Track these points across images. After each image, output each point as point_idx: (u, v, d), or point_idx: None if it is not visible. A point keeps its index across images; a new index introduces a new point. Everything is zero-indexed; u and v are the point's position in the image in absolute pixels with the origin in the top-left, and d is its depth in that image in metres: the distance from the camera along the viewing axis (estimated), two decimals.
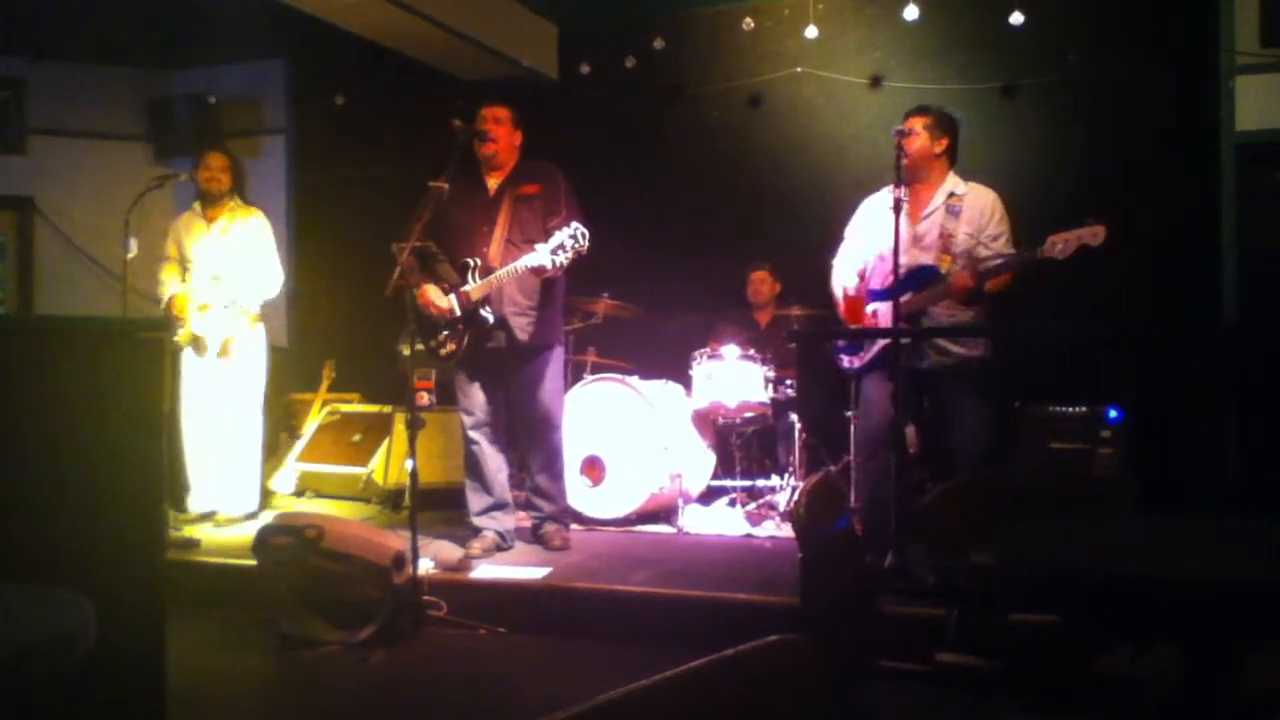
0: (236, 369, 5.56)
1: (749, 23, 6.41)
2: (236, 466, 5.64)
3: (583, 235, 4.41)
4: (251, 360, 5.60)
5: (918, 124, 4.30)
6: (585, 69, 6.88)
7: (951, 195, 4.32)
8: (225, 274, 5.54)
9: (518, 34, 6.74)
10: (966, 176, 4.42)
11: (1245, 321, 5.53)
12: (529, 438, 4.92)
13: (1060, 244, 3.90)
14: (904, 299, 4.22)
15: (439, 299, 4.68)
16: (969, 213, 4.28)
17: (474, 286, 4.63)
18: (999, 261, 4.13)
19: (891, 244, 4.19)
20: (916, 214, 4.33)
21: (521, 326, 4.72)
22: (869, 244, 4.46)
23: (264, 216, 5.70)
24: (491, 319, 4.65)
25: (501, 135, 4.76)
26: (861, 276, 4.50)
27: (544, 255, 4.42)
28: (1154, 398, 5.10)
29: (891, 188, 4.28)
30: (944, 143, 4.34)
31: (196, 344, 5.53)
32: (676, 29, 6.70)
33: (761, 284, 6.34)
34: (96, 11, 6.72)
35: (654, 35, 6.62)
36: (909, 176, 4.30)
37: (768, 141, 6.61)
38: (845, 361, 4.49)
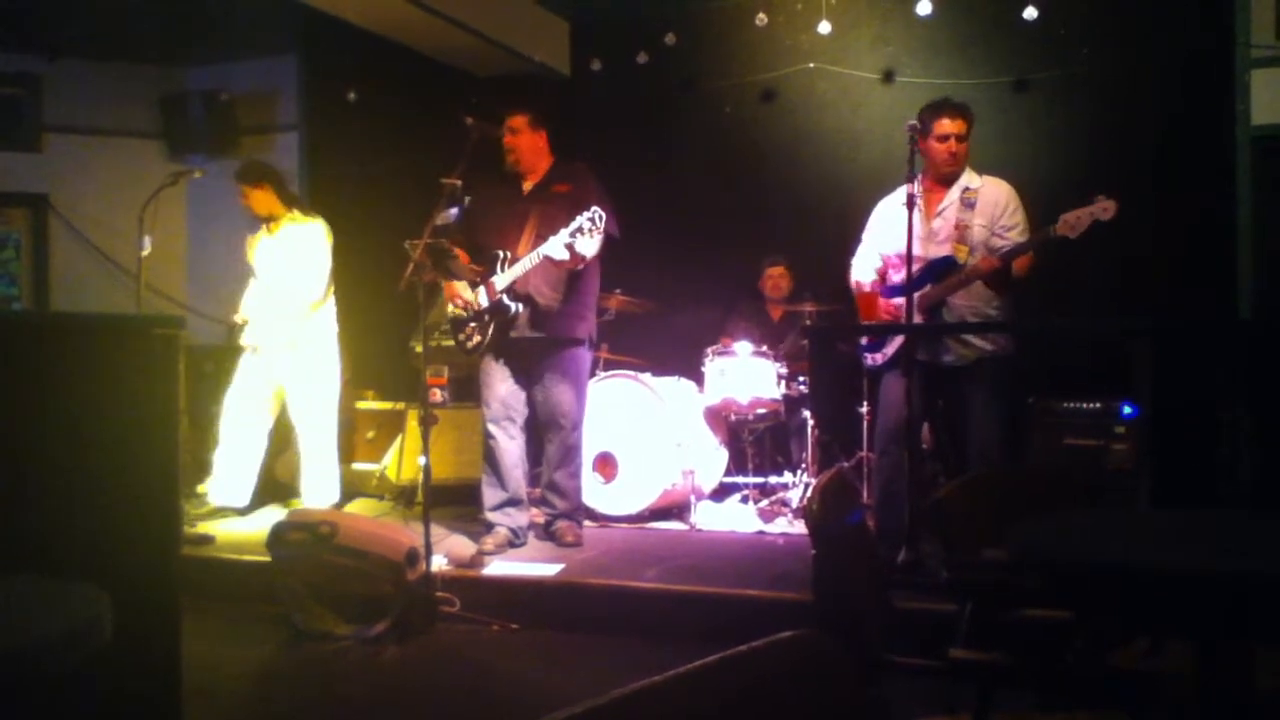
0: (295, 372, 5.60)
1: (762, 18, 6.40)
2: (312, 461, 5.68)
3: (599, 217, 4.41)
4: (307, 363, 5.61)
5: (963, 128, 4.26)
6: (597, 65, 6.88)
7: (966, 189, 4.30)
8: (271, 283, 5.64)
9: (530, 30, 6.74)
10: (976, 170, 4.41)
11: (1262, 315, 5.50)
12: (548, 433, 4.92)
13: (1073, 220, 3.88)
14: (923, 291, 4.21)
15: (465, 291, 4.73)
16: (984, 204, 4.26)
17: (499, 277, 4.67)
18: (1015, 245, 4.12)
19: (906, 242, 4.21)
20: (931, 210, 4.32)
21: (544, 316, 4.74)
22: (885, 243, 4.44)
23: (314, 224, 5.68)
24: (514, 308, 4.69)
25: (519, 144, 4.80)
26: (881, 275, 4.49)
27: (563, 237, 4.42)
28: (1169, 393, 5.07)
29: (905, 186, 4.30)
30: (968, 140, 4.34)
31: (254, 350, 5.66)
32: (689, 24, 6.69)
33: (781, 279, 6.33)
34: (110, 10, 6.75)
35: (666, 30, 6.60)
36: (947, 178, 4.30)
37: (780, 137, 6.59)
38: (869, 359, 4.48)
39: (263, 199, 5.62)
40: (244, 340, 5.66)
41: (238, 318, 5.71)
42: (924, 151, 4.30)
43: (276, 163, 7.55)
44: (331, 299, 5.76)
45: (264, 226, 5.73)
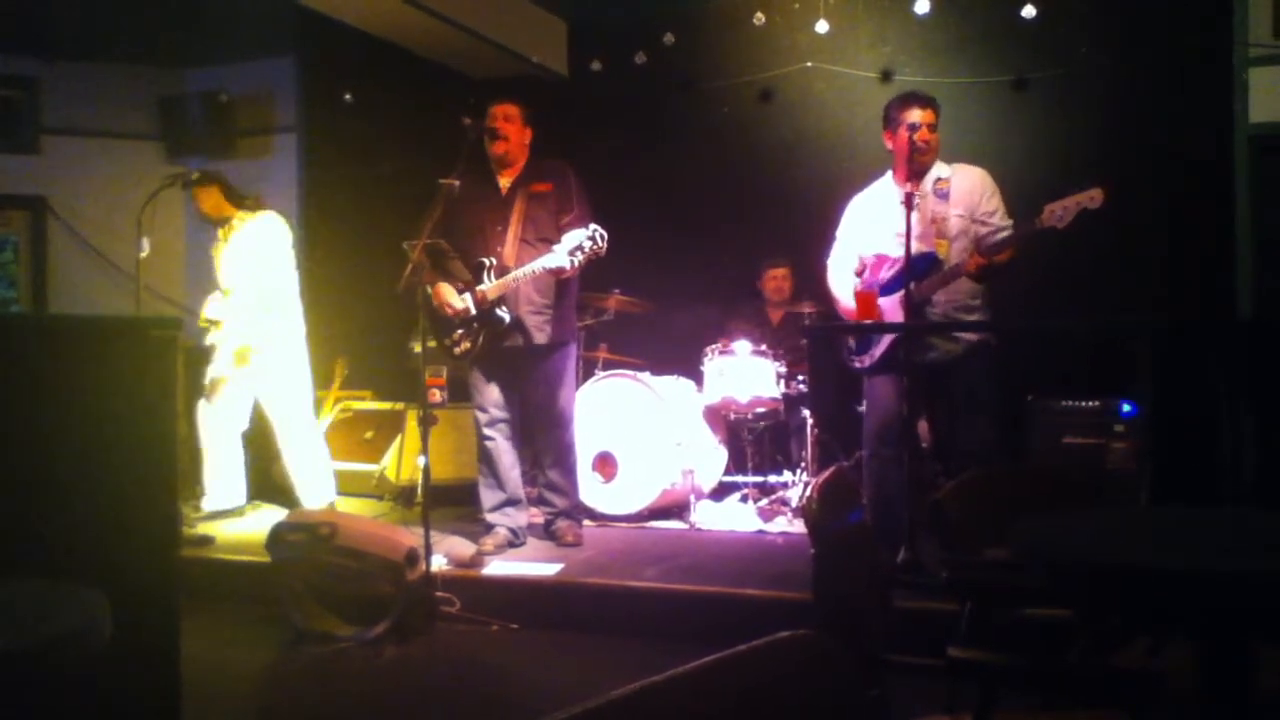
0: (264, 375, 5.56)
1: (760, 17, 6.39)
2: (299, 463, 5.64)
3: (601, 237, 4.43)
4: (274, 365, 5.57)
5: (933, 117, 4.26)
6: (595, 65, 6.87)
7: (938, 180, 4.28)
8: (227, 284, 5.60)
9: (528, 31, 6.74)
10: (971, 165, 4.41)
11: (1261, 314, 5.50)
12: (542, 433, 4.93)
13: (1059, 210, 3.86)
14: (917, 287, 4.20)
15: (454, 299, 4.70)
16: (958, 194, 4.25)
17: (490, 286, 4.65)
18: (1002, 236, 4.11)
19: (888, 239, 4.23)
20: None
21: (538, 325, 4.73)
22: (864, 242, 4.44)
23: (263, 216, 5.61)
24: (507, 318, 4.66)
25: (512, 133, 4.77)
26: (858, 276, 4.47)
27: (561, 257, 4.44)
28: (1170, 392, 5.08)
29: (888, 181, 4.31)
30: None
31: (216, 353, 5.61)
32: (687, 24, 6.69)
33: (783, 281, 6.33)
34: (108, 11, 6.74)
35: (664, 30, 6.60)
36: (918, 170, 4.29)
37: (778, 136, 6.59)
38: (856, 362, 4.47)
39: (208, 197, 5.57)
40: (209, 340, 5.61)
41: (204, 320, 5.62)
42: (893, 145, 4.30)
43: (275, 164, 7.59)
44: (294, 297, 5.66)
45: (219, 232, 5.66)
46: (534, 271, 4.55)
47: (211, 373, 5.60)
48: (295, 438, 5.61)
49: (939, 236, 4.21)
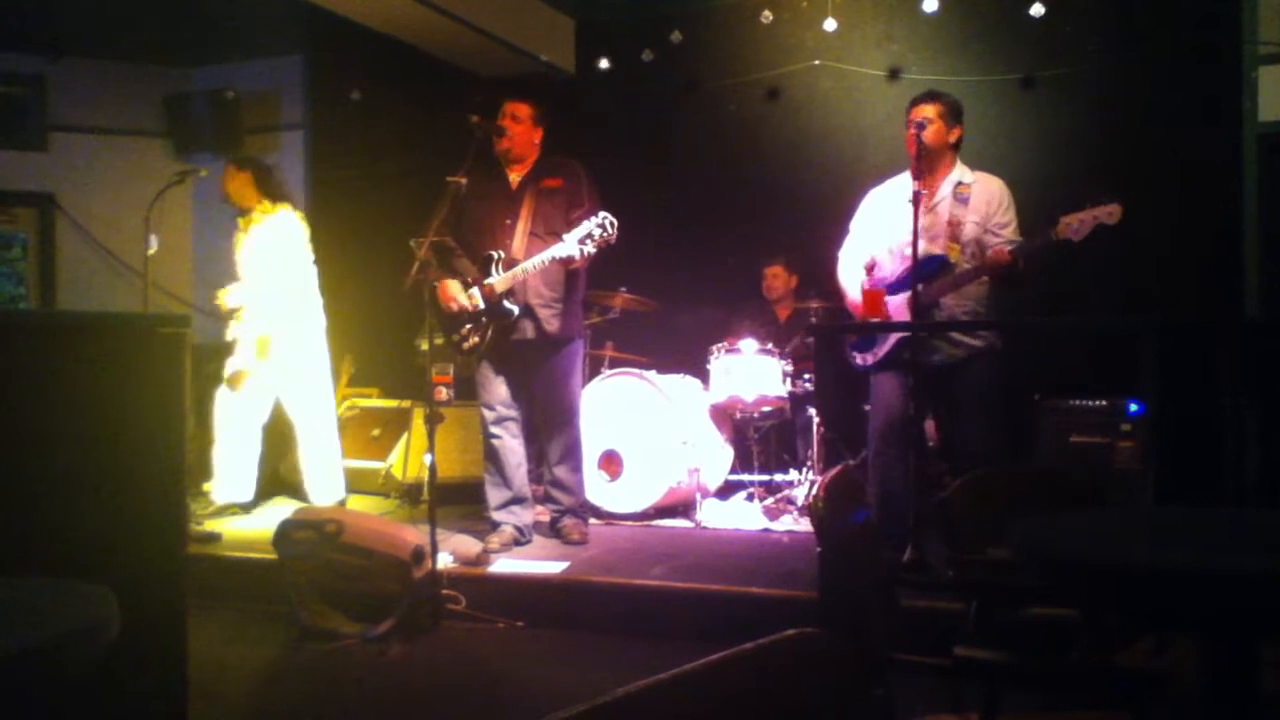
0: (283, 370, 5.58)
1: (767, 15, 6.40)
2: (314, 459, 5.68)
3: (611, 224, 4.42)
4: (293, 360, 5.60)
5: (931, 111, 4.22)
6: (603, 63, 6.88)
7: (959, 184, 4.26)
8: (246, 278, 5.63)
9: (535, 29, 6.75)
10: (982, 168, 4.39)
11: (1268, 313, 5.49)
12: (549, 430, 4.93)
13: (1075, 224, 3.84)
14: (924, 289, 4.19)
15: (459, 295, 4.70)
16: (976, 201, 4.23)
17: (498, 279, 4.65)
18: (1022, 244, 4.09)
19: (901, 237, 4.19)
20: (924, 204, 4.29)
21: (546, 318, 4.73)
22: (876, 237, 4.42)
23: (280, 213, 5.62)
24: (516, 311, 4.67)
25: (519, 131, 4.77)
26: (868, 271, 4.46)
27: (571, 245, 4.44)
28: (1175, 391, 5.07)
29: (907, 178, 4.28)
30: (957, 131, 4.29)
31: (235, 346, 5.64)
32: (694, 22, 6.69)
33: (775, 279, 6.33)
34: (116, 9, 6.76)
35: (671, 29, 6.61)
36: (930, 165, 4.26)
37: (786, 135, 6.59)
38: (858, 360, 4.45)
39: (238, 182, 5.58)
40: (230, 335, 5.65)
41: (226, 307, 5.64)
42: (907, 146, 4.29)
43: (282, 162, 7.60)
44: (313, 292, 5.69)
45: (239, 222, 5.70)
46: (543, 262, 4.54)
47: (234, 364, 5.63)
48: (313, 435, 5.66)
49: (952, 240, 4.19)
